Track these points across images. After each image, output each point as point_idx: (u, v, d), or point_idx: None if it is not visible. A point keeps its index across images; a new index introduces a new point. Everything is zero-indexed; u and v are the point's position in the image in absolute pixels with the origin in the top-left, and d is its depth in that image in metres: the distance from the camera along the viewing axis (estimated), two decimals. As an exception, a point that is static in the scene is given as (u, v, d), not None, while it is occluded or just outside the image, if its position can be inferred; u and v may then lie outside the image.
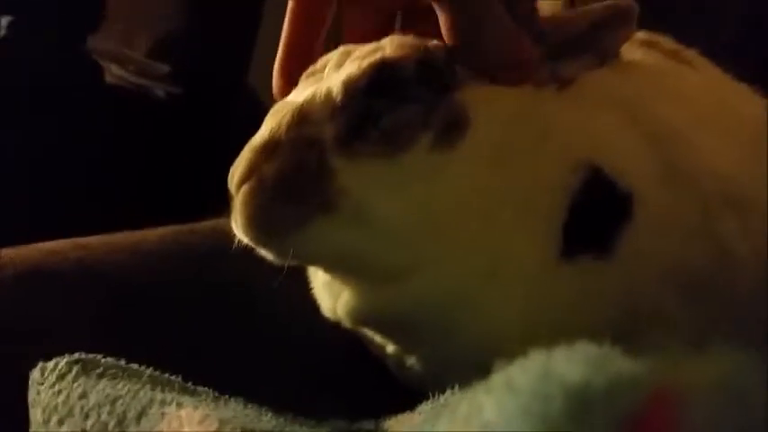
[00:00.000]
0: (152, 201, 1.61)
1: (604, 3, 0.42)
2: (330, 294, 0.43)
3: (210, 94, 1.74)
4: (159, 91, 1.67)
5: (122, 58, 1.69)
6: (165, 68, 1.70)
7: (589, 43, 0.42)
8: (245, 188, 0.39)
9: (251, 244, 0.40)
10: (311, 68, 0.43)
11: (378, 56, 0.40)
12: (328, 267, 0.43)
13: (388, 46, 0.40)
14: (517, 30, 0.40)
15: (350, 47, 0.43)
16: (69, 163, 1.49)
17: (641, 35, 0.51)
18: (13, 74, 1.48)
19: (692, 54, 0.51)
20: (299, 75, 0.44)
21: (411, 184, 0.38)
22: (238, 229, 0.40)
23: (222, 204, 0.42)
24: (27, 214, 1.40)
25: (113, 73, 1.64)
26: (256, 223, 0.39)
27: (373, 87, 0.39)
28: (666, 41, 0.51)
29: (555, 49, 0.42)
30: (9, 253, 0.52)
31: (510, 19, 0.40)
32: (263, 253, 0.41)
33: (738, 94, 0.51)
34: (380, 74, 0.39)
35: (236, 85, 1.82)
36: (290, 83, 0.44)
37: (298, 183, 0.38)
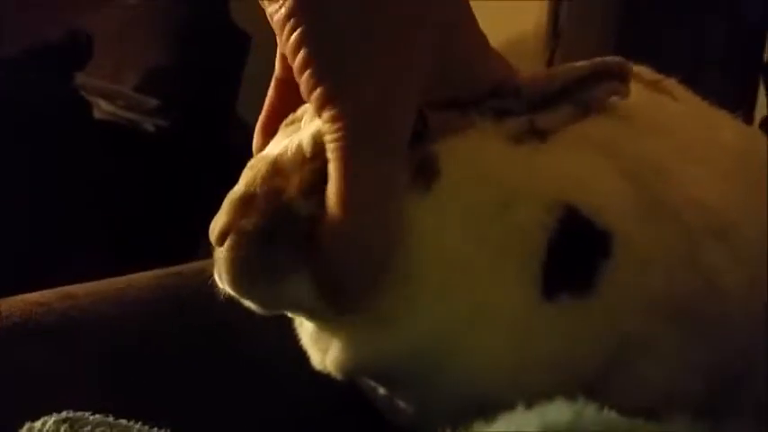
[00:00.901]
0: (143, 234, 1.60)
1: (593, 60, 0.43)
2: (318, 348, 0.43)
3: (199, 126, 1.75)
4: (148, 125, 1.68)
5: (111, 94, 1.69)
6: (153, 102, 1.71)
7: (572, 96, 0.43)
8: (227, 243, 0.39)
9: (238, 297, 0.41)
10: (291, 117, 0.44)
11: None
12: (312, 316, 0.42)
13: None
14: None
15: None
16: (60, 199, 1.49)
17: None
18: (1, 111, 1.48)
19: (672, 84, 0.51)
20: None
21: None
22: (224, 283, 0.40)
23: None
24: (17, 249, 1.40)
25: (102, 109, 1.65)
26: (241, 276, 0.39)
27: None
28: (646, 72, 0.51)
29: (533, 102, 0.42)
30: (-4, 305, 0.52)
31: None
32: (249, 305, 0.41)
33: (720, 123, 0.51)
34: None
35: (225, 117, 1.83)
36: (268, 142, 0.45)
37: (277, 235, 0.39)
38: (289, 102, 0.45)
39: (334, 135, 0.38)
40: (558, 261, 0.40)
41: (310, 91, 0.38)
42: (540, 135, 0.42)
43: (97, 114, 1.64)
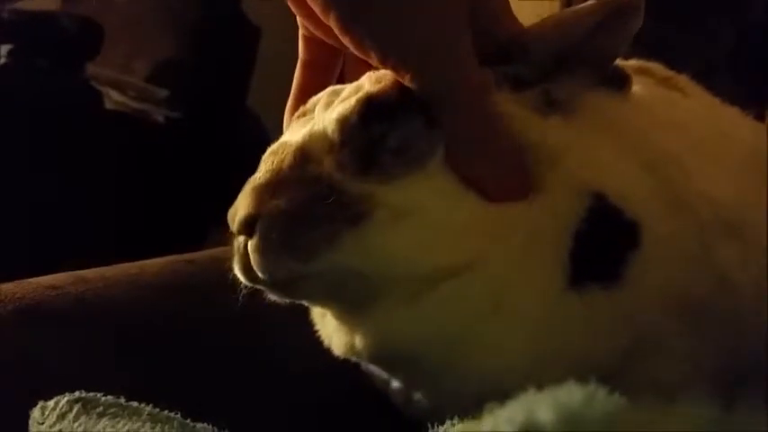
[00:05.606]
0: (152, 224, 1.61)
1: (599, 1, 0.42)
2: (343, 334, 0.43)
3: (210, 117, 1.75)
4: (159, 115, 1.68)
5: (122, 84, 1.70)
6: (164, 93, 1.71)
7: (585, 54, 0.42)
8: (259, 227, 0.39)
9: (265, 281, 0.41)
10: (302, 109, 0.45)
11: (363, 92, 0.41)
12: (346, 298, 0.42)
13: (368, 82, 0.42)
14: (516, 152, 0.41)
15: (337, 87, 0.44)
16: (70, 188, 1.50)
17: (633, 63, 0.51)
18: (12, 101, 1.49)
19: (684, 80, 0.51)
20: None
21: (443, 185, 0.40)
22: (255, 268, 0.40)
23: (223, 228, 0.42)
24: (28, 239, 1.41)
25: (113, 99, 1.65)
26: (279, 256, 0.39)
27: (367, 119, 0.40)
28: (658, 68, 0.51)
29: (544, 67, 0.42)
30: (10, 288, 0.52)
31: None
32: (272, 295, 0.42)
33: (732, 119, 0.51)
34: (369, 106, 0.40)
35: (235, 109, 1.83)
36: None
37: (316, 209, 0.39)
38: (316, 83, 0.46)
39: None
40: (586, 250, 0.40)
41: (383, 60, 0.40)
42: (558, 108, 0.42)
43: (108, 105, 1.64)
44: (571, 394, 0.24)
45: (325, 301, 0.44)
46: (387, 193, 0.39)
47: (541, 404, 0.24)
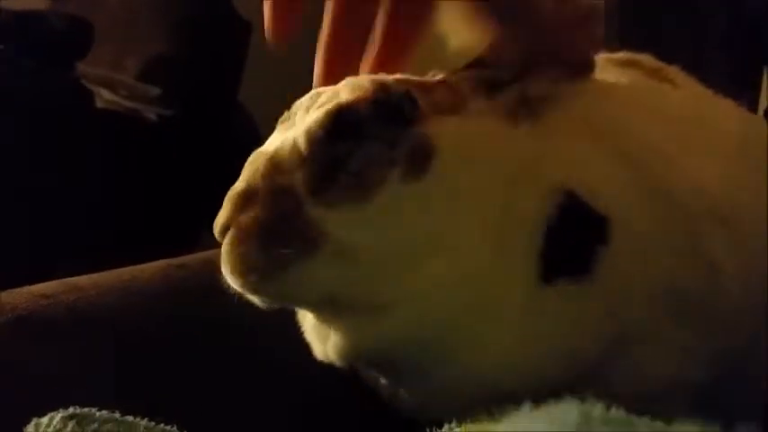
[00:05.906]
0: (145, 223, 1.61)
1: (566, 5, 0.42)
2: (319, 337, 0.44)
3: (202, 114, 1.75)
4: (151, 113, 1.68)
5: (113, 83, 1.69)
6: (155, 91, 1.70)
7: (556, 54, 0.42)
8: (227, 238, 0.39)
9: (239, 290, 0.41)
10: (286, 114, 0.44)
11: (334, 103, 0.40)
12: (314, 307, 0.43)
13: (344, 90, 0.41)
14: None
15: (321, 89, 0.43)
16: (62, 187, 1.49)
17: (621, 55, 0.51)
18: (2, 101, 1.48)
19: (674, 71, 0.51)
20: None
21: (389, 220, 0.39)
22: (226, 277, 0.40)
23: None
24: (22, 238, 1.40)
25: (104, 98, 1.64)
26: (241, 270, 0.39)
27: (333, 134, 0.39)
28: (648, 60, 0.51)
29: (519, 67, 0.42)
30: (1, 297, 0.52)
31: None
32: (251, 298, 0.41)
33: (722, 110, 0.51)
34: (338, 120, 0.39)
35: (227, 105, 1.83)
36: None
37: (277, 229, 0.39)
38: (359, 10, 0.43)
39: None
40: (557, 246, 0.40)
41: None
42: (534, 107, 0.42)
43: (99, 103, 1.64)
44: (567, 412, 0.24)
45: (295, 307, 0.44)
46: (335, 222, 0.39)
47: (536, 423, 0.24)
